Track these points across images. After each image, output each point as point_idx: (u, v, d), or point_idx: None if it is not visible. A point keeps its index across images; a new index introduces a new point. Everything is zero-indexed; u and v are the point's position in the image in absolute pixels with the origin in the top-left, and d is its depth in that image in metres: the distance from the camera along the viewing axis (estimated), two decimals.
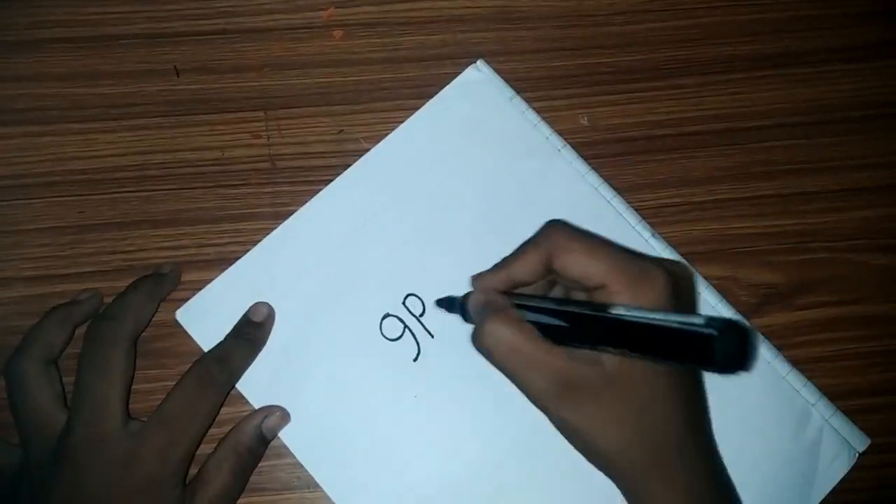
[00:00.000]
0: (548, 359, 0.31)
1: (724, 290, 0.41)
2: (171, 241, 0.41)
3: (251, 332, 0.38)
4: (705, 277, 0.40)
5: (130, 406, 0.36)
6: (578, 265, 0.32)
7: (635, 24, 0.45)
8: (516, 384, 0.33)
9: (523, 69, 0.44)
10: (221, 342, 0.38)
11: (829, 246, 0.42)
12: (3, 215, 0.41)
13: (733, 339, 0.26)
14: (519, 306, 0.33)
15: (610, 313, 0.30)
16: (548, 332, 0.32)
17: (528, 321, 0.32)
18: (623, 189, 0.42)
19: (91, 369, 0.35)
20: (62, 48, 0.43)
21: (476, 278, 0.36)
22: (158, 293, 0.39)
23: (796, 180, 0.43)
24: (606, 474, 0.33)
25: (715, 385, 0.38)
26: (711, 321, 0.27)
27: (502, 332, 0.32)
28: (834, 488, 0.38)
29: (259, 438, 0.37)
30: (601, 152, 0.43)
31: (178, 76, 0.43)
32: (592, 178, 0.42)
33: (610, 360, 0.31)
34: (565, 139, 0.42)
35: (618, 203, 0.41)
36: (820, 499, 0.38)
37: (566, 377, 0.31)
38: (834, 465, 0.38)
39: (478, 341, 0.33)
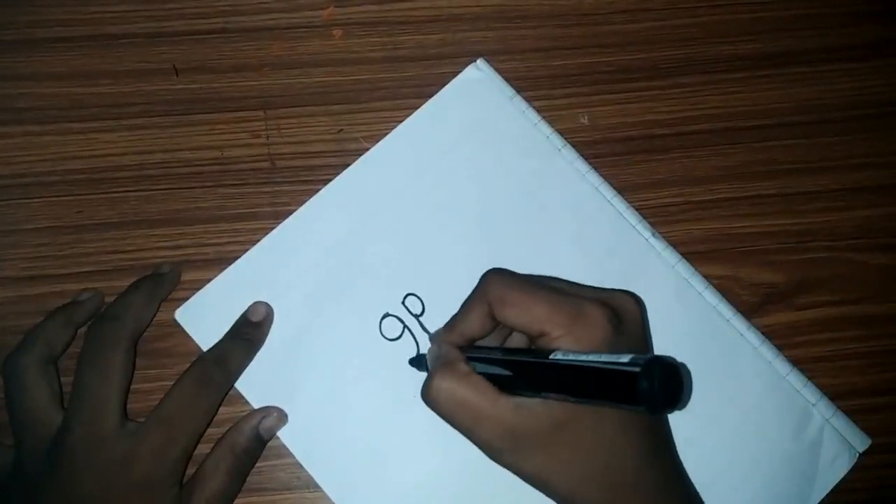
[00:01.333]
0: (494, 411, 0.31)
1: (725, 290, 0.40)
2: (170, 241, 0.41)
3: (249, 331, 0.38)
4: (706, 277, 0.40)
5: (130, 406, 0.36)
6: (517, 315, 0.32)
7: (635, 22, 0.45)
8: (467, 437, 0.32)
9: (523, 68, 0.44)
10: (219, 342, 0.38)
11: (830, 245, 0.42)
12: (2, 215, 0.41)
13: (658, 376, 0.25)
14: (471, 358, 0.33)
15: (546, 359, 0.30)
16: (501, 383, 0.31)
17: (480, 373, 0.32)
18: (623, 188, 0.42)
19: (91, 369, 0.35)
20: (61, 47, 0.43)
21: (434, 336, 0.36)
22: (159, 293, 0.39)
23: (797, 180, 0.43)
24: None
25: (715, 386, 0.38)
26: (637, 359, 0.26)
27: (448, 386, 0.32)
28: (834, 488, 0.38)
29: (256, 439, 0.37)
30: (601, 151, 0.43)
31: (177, 75, 0.43)
32: (593, 178, 0.41)
33: (555, 406, 0.30)
34: (565, 138, 0.42)
35: (618, 202, 0.41)
36: (820, 499, 0.38)
37: (513, 428, 0.31)
38: (834, 465, 0.38)
39: (426, 396, 0.32)
